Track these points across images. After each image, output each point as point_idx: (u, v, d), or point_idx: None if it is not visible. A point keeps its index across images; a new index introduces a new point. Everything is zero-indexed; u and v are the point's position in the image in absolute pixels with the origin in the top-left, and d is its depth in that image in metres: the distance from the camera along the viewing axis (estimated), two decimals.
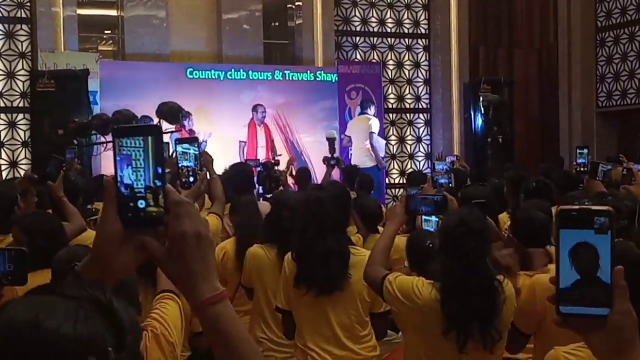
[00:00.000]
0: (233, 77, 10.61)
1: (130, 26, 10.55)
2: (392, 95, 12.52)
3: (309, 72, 11.21)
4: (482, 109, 11.38)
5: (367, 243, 4.97)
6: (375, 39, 12.43)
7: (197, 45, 11.02)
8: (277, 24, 12.51)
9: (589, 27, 12.57)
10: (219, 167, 6.10)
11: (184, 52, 10.90)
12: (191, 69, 10.42)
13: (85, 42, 10.94)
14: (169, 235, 1.22)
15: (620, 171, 4.96)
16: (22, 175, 9.32)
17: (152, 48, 10.56)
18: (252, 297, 4.16)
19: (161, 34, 10.65)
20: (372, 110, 11.02)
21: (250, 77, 10.69)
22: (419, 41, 12.74)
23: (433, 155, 12.04)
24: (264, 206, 5.07)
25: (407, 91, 12.66)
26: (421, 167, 12.46)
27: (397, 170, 12.18)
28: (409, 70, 12.67)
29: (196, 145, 3.68)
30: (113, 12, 10.98)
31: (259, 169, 7.86)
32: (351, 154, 11.00)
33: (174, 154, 3.97)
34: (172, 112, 8.89)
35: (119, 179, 1.22)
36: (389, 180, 12.08)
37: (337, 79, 11.34)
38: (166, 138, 8.28)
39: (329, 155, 8.67)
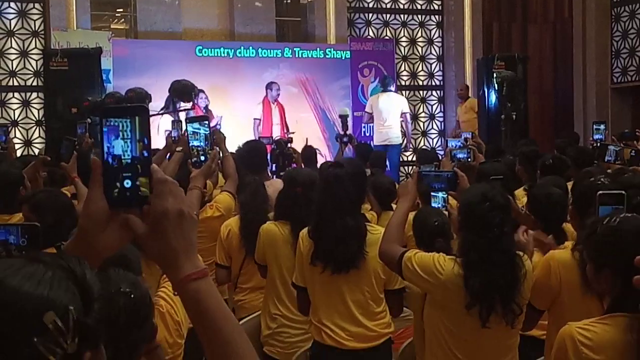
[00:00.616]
0: (242, 55, 10.58)
1: (142, 4, 10.54)
2: (405, 73, 12.46)
3: (318, 49, 11.17)
4: (496, 85, 11.30)
5: (381, 220, 4.97)
6: (388, 15, 12.36)
7: (209, 23, 11.00)
8: (289, 1, 12.46)
9: (604, 2, 12.43)
10: (234, 145, 6.12)
11: (196, 29, 10.88)
12: (200, 47, 10.40)
13: (98, 21, 10.95)
14: (151, 213, 1.22)
15: (629, 152, 4.93)
16: (36, 154, 9.38)
17: (164, 26, 10.55)
18: (266, 274, 4.17)
19: (173, 12, 10.63)
20: (393, 87, 10.96)
21: (260, 55, 10.66)
22: (432, 18, 12.66)
23: (446, 133, 12.00)
24: (277, 183, 5.08)
25: (420, 68, 12.60)
26: (434, 144, 12.43)
27: (410, 147, 12.14)
28: (422, 47, 12.60)
29: (207, 125, 3.67)
30: None
31: (272, 146, 7.86)
32: (369, 132, 10.97)
33: (185, 134, 3.97)
34: (186, 90, 8.90)
35: (112, 158, 1.23)
36: (402, 157, 12.06)
37: (349, 56, 11.29)
38: (182, 114, 8.29)
39: (342, 133, 8.66)
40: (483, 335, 3.03)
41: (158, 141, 8.46)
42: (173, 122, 4.44)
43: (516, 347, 3.19)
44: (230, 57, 10.57)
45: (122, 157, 1.23)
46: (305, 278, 3.61)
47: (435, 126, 12.59)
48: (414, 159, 11.81)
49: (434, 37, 12.66)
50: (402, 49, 12.43)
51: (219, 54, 10.51)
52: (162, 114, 8.69)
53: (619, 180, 3.38)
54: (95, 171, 1.24)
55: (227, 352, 1.24)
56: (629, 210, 2.68)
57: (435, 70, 12.68)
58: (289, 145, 7.52)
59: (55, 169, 5.24)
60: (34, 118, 10.06)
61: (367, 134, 11.12)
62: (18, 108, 10.01)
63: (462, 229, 3.08)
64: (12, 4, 9.96)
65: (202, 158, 3.59)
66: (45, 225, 2.75)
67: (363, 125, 11.12)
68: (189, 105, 8.84)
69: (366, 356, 3.53)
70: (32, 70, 10.02)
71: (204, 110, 9.60)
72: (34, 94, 10.03)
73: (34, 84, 10.02)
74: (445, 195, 4.00)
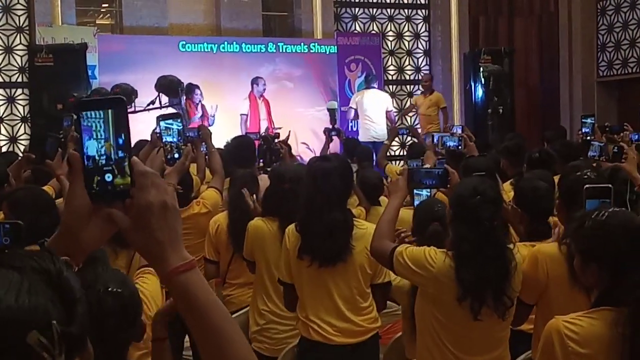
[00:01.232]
0: (226, 50, 10.53)
1: None
2: (391, 67, 12.47)
3: (303, 44, 11.14)
4: (483, 79, 11.34)
5: (370, 215, 4.97)
6: (375, 10, 12.35)
7: (195, 18, 10.95)
8: None
9: None
10: (221, 141, 6.10)
11: (182, 25, 10.84)
12: (184, 42, 10.36)
13: (83, 16, 10.87)
14: (135, 206, 1.21)
15: (611, 148, 4.95)
16: (21, 151, 9.31)
17: (150, 21, 10.50)
18: (254, 271, 4.16)
19: (159, 7, 10.58)
20: (376, 85, 10.98)
21: (244, 50, 10.63)
22: (419, 12, 12.66)
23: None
24: (264, 180, 5.07)
25: (407, 62, 12.61)
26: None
27: (397, 142, 12.13)
28: (408, 42, 12.61)
29: (179, 121, 3.66)
30: None
31: (259, 142, 7.83)
32: (355, 127, 10.98)
33: (158, 130, 3.95)
34: (172, 86, 8.86)
35: (93, 152, 1.22)
36: (389, 152, 12.06)
37: (336, 50, 11.28)
38: (170, 110, 8.26)
39: (330, 127, 8.66)
40: (474, 327, 3.05)
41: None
42: (158, 118, 4.41)
43: (507, 341, 3.21)
44: (214, 52, 10.52)
45: (96, 158, 1.22)
46: (291, 274, 3.60)
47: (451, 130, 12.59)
48: (402, 153, 11.84)
49: (421, 32, 12.67)
50: (388, 43, 12.43)
51: (203, 49, 10.45)
52: (149, 109, 8.66)
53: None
54: (75, 166, 1.23)
55: (219, 342, 1.24)
56: (617, 205, 2.69)
57: (422, 65, 12.69)
58: (276, 140, 7.49)
59: (40, 166, 5.20)
60: (19, 114, 9.99)
61: (354, 129, 11.13)
62: (3, 104, 9.93)
63: (453, 222, 3.09)
64: None
65: (176, 155, 3.57)
66: (24, 223, 2.73)
67: (350, 120, 11.12)
68: (175, 100, 8.80)
69: (353, 351, 3.53)
70: (17, 66, 9.94)
71: (197, 107, 9.59)
72: (19, 90, 9.94)
73: (19, 80, 9.94)
74: (429, 193, 4.01)
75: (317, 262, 3.49)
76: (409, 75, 12.65)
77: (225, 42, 10.61)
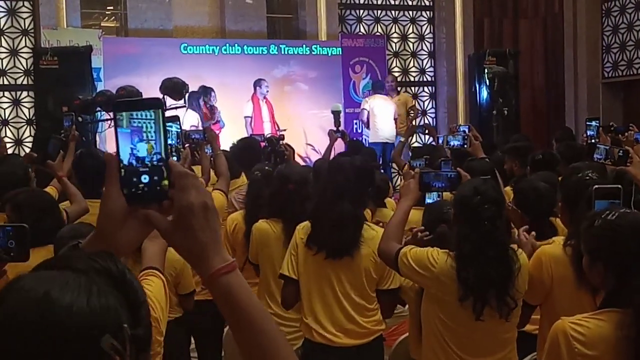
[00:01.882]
0: (228, 52, 10.53)
1: (132, 2, 10.51)
2: (396, 69, 12.46)
3: (304, 45, 11.12)
4: (488, 81, 11.32)
5: (375, 217, 4.97)
6: (379, 11, 12.35)
7: (199, 20, 10.97)
8: None
9: None
10: (227, 143, 6.10)
11: (187, 27, 10.85)
12: (185, 44, 10.36)
13: (88, 19, 10.90)
14: (175, 207, 1.20)
15: (617, 152, 4.93)
16: (26, 153, 9.34)
17: (155, 24, 10.51)
18: (259, 274, 4.16)
19: (164, 9, 10.60)
20: (383, 91, 11.07)
21: (246, 52, 10.61)
22: (423, 13, 12.66)
23: (438, 129, 11.98)
24: None
25: (411, 64, 12.60)
26: (426, 140, 12.42)
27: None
28: (413, 43, 12.60)
29: (178, 123, 3.65)
30: None
31: (264, 144, 7.83)
32: (361, 129, 11.05)
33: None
34: (176, 88, 8.87)
35: (130, 152, 1.21)
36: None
37: (341, 52, 11.28)
38: (172, 112, 8.27)
39: (334, 128, 8.66)
40: (477, 328, 3.05)
41: None
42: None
43: (513, 342, 3.20)
44: (216, 54, 10.52)
45: (147, 160, 1.21)
46: (296, 269, 3.59)
47: (427, 122, 12.58)
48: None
49: (425, 33, 12.67)
50: (393, 45, 12.42)
51: (205, 51, 10.44)
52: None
53: None
54: (110, 168, 1.21)
55: (261, 343, 1.23)
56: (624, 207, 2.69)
57: (427, 67, 12.68)
58: (280, 142, 7.50)
59: (42, 167, 5.20)
60: (24, 117, 10.01)
61: (359, 131, 11.14)
62: (8, 107, 9.96)
63: (455, 222, 3.11)
64: (2, 3, 9.90)
65: (175, 158, 3.57)
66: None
67: (355, 122, 11.14)
68: (180, 102, 8.81)
69: (357, 353, 3.53)
70: (22, 69, 9.97)
71: (209, 109, 9.64)
72: (25, 93, 9.98)
73: (24, 82, 9.97)
74: (439, 194, 4.01)
75: (324, 252, 3.49)
76: (414, 77, 12.64)
77: (227, 44, 10.60)
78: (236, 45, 10.62)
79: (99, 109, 8.62)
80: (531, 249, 3.31)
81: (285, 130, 9.60)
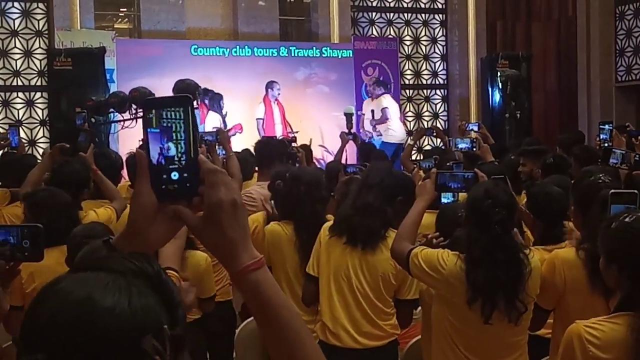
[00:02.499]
0: (238, 54, 10.53)
1: (145, 4, 10.54)
2: (408, 72, 12.45)
3: (314, 48, 11.11)
4: (500, 84, 11.29)
5: None
6: (392, 14, 12.34)
7: (212, 22, 11.00)
8: (292, 0, 12.45)
9: (607, 1, 12.39)
10: (241, 145, 6.11)
11: (200, 29, 10.88)
12: (196, 46, 10.37)
13: (102, 20, 10.95)
14: (205, 204, 1.21)
15: (633, 156, 4.91)
16: (40, 154, 9.39)
17: (168, 25, 10.55)
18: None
19: (177, 11, 10.64)
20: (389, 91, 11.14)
21: (256, 54, 10.60)
22: (436, 16, 12.64)
23: (450, 132, 11.97)
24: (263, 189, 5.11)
25: (423, 67, 12.59)
26: (438, 143, 12.40)
27: (414, 146, 12.11)
28: (425, 46, 12.59)
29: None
30: None
31: None
32: (389, 130, 11.10)
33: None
34: (189, 90, 8.88)
35: (159, 151, 1.22)
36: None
37: (353, 54, 11.28)
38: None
39: (346, 131, 8.67)
40: (486, 331, 3.04)
41: None
42: None
43: (524, 346, 3.19)
44: (226, 56, 10.50)
45: (175, 159, 1.22)
46: (319, 267, 3.63)
47: (439, 125, 12.56)
48: (419, 157, 11.81)
49: (438, 36, 12.65)
50: (405, 47, 12.41)
51: (214, 53, 10.44)
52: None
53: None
54: (141, 165, 1.23)
55: (290, 339, 1.24)
56: None
57: (439, 69, 12.67)
58: (292, 144, 7.51)
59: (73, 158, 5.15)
60: (38, 118, 10.08)
61: (370, 135, 11.14)
62: (22, 108, 10.02)
63: (466, 225, 3.11)
64: (16, 4, 9.97)
65: None
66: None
67: (371, 123, 11.16)
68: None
69: (372, 356, 3.54)
70: (36, 70, 10.03)
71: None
72: (38, 94, 10.04)
73: (38, 83, 10.03)
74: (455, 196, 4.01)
75: (346, 238, 3.53)
76: (426, 80, 12.63)
77: (237, 46, 10.60)
78: (246, 47, 10.61)
79: (111, 110, 8.66)
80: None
81: (297, 132, 9.62)
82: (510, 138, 10.54)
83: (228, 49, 10.52)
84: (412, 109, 12.49)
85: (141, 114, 1.27)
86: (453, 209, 3.69)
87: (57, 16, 9.90)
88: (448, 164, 5.42)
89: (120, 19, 11.82)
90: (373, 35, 12.11)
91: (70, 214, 3.79)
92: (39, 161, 5.59)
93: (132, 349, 0.98)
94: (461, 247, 3.11)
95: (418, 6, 12.52)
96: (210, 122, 9.63)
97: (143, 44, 10.40)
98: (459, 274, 3.01)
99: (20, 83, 9.98)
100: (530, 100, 11.65)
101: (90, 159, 4.84)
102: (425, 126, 12.20)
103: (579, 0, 12.61)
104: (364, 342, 3.54)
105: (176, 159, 1.22)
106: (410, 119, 12.39)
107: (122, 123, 8.54)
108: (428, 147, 11.53)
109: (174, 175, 1.22)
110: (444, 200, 4.02)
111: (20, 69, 9.99)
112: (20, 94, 10.01)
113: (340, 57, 11.23)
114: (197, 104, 9.12)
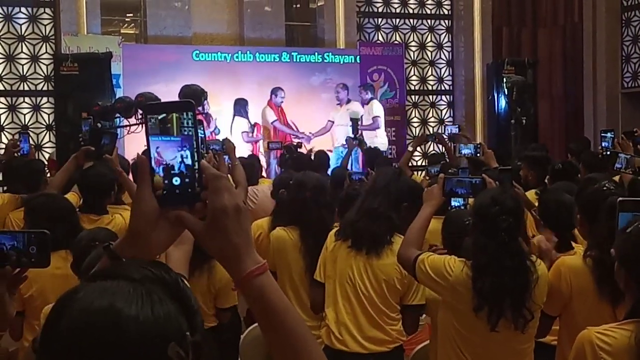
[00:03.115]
0: (240, 60, 10.52)
1: (152, 9, 10.58)
2: (414, 77, 12.46)
3: (317, 53, 11.11)
4: (506, 90, 11.28)
5: None
6: (398, 20, 12.36)
7: (218, 28, 11.02)
8: (298, 5, 12.47)
9: (614, 7, 12.39)
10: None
11: (206, 34, 10.91)
12: (198, 52, 10.38)
13: (108, 26, 10.99)
14: (209, 210, 1.21)
15: (638, 162, 4.90)
16: (46, 158, 9.41)
17: (174, 31, 10.58)
18: (276, 281, 4.17)
19: (183, 16, 10.66)
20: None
21: (257, 60, 10.60)
22: (442, 22, 12.65)
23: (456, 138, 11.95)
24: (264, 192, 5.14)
25: (429, 73, 12.60)
26: (443, 149, 12.39)
27: (419, 152, 12.11)
28: (431, 52, 12.60)
29: (202, 128, 3.65)
30: None
31: (282, 151, 7.86)
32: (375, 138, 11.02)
33: None
34: (195, 95, 8.90)
35: (151, 154, 1.21)
36: (411, 162, 12.03)
37: (359, 60, 11.29)
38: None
39: (352, 136, 8.68)
40: (492, 338, 3.03)
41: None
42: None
43: (531, 353, 3.18)
44: (227, 61, 10.51)
45: (166, 162, 1.21)
46: (325, 273, 3.64)
47: (444, 131, 12.56)
48: (424, 163, 11.81)
49: (444, 42, 12.66)
50: (411, 53, 12.42)
51: (214, 59, 10.45)
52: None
53: None
54: (142, 170, 1.22)
55: (293, 342, 1.24)
56: None
57: (445, 75, 12.67)
58: (298, 150, 7.53)
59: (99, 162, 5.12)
60: (44, 123, 10.11)
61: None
62: (29, 112, 10.06)
63: (473, 231, 3.09)
64: (23, 9, 10.01)
65: None
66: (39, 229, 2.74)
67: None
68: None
69: None
70: (43, 75, 10.06)
71: (204, 117, 9.66)
72: (45, 99, 10.07)
73: (45, 88, 10.07)
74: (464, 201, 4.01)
75: (351, 241, 3.55)
76: (432, 86, 12.63)
77: (239, 52, 10.60)
78: (248, 52, 10.61)
79: (118, 115, 8.68)
80: (552, 257, 3.30)
81: (303, 138, 9.65)
82: (515, 144, 10.52)
83: (230, 54, 10.52)
84: (417, 114, 12.48)
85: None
86: (459, 216, 3.68)
87: (64, 21, 9.94)
88: (450, 170, 5.41)
89: (126, 24, 11.86)
90: (379, 41, 12.12)
91: (70, 219, 3.79)
92: (46, 165, 5.58)
93: (157, 357, 0.99)
94: (467, 254, 3.10)
95: (424, 12, 12.53)
96: (237, 127, 9.64)
97: (149, 49, 10.42)
98: (465, 281, 3.00)
99: (26, 88, 10.02)
100: (536, 106, 11.64)
101: (115, 161, 4.84)
102: (430, 132, 12.19)
103: (585, 6, 12.61)
104: (369, 347, 3.54)
105: (178, 164, 1.21)
106: (415, 124, 12.39)
107: (128, 128, 8.55)
108: (434, 153, 11.53)
109: (176, 181, 1.21)
110: (454, 203, 4.01)
111: (27, 74, 10.02)
112: (27, 99, 10.04)
113: (342, 62, 11.21)
114: (203, 109, 9.12)
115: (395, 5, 12.33)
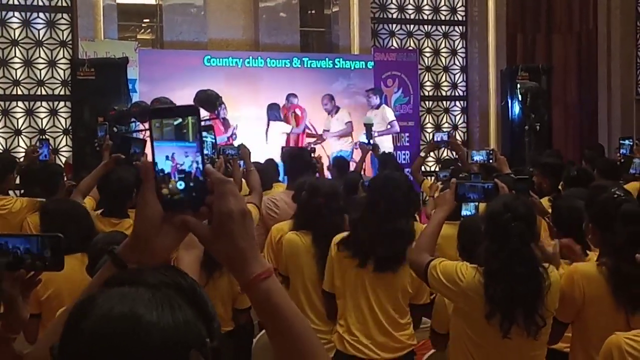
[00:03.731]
0: (251, 65, 10.53)
1: (168, 15, 10.65)
2: (428, 83, 12.47)
3: (327, 59, 11.08)
4: (520, 96, 11.25)
5: None
6: (412, 26, 12.38)
7: (234, 33, 11.07)
8: (313, 11, 12.51)
9: (629, 13, 12.35)
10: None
11: (222, 40, 10.96)
12: (209, 56, 10.41)
13: (125, 31, 11.07)
14: (215, 214, 1.21)
15: None
16: (62, 162, 9.48)
17: (190, 36, 10.64)
18: (289, 286, 4.19)
19: (199, 22, 10.73)
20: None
21: (268, 65, 10.59)
22: (456, 28, 12.66)
23: (469, 144, 11.96)
24: (285, 199, 5.15)
25: (443, 78, 12.60)
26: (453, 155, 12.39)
27: (433, 157, 12.11)
28: (445, 58, 12.60)
29: (212, 133, 3.66)
30: (151, 1, 11.06)
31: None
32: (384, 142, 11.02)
33: None
34: (210, 100, 8.97)
35: (165, 158, 1.21)
36: (425, 167, 12.03)
37: (373, 66, 11.30)
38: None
39: (366, 141, 8.69)
40: (504, 345, 3.03)
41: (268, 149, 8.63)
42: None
43: (543, 359, 3.18)
44: (239, 67, 10.53)
45: (186, 170, 1.22)
46: (333, 283, 3.64)
47: (458, 136, 12.55)
48: (436, 168, 11.81)
49: (458, 48, 12.66)
50: (425, 59, 12.43)
51: (227, 64, 10.46)
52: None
53: None
54: (147, 175, 1.22)
55: (299, 347, 1.24)
56: None
57: (459, 81, 12.67)
58: (312, 155, 7.55)
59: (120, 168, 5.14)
60: (61, 127, 10.19)
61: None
62: (46, 117, 10.14)
63: (485, 238, 3.09)
64: (41, 14, 10.10)
65: None
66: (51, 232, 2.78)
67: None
68: (207, 115, 8.89)
69: None
70: (60, 79, 10.15)
71: (222, 122, 9.70)
72: (62, 103, 10.16)
73: (62, 93, 10.15)
74: (476, 204, 4.00)
75: (372, 264, 3.51)
76: (446, 92, 12.63)
77: (251, 57, 10.60)
78: (259, 57, 10.61)
79: (133, 119, 8.74)
80: (559, 261, 3.30)
81: (317, 143, 9.68)
82: (529, 150, 10.50)
83: (242, 59, 10.52)
84: (431, 120, 12.49)
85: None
86: (476, 222, 3.69)
87: (81, 27, 10.02)
88: (461, 175, 5.41)
89: (143, 30, 11.94)
90: (393, 47, 12.14)
91: (85, 222, 3.82)
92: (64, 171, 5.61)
93: None
94: (479, 260, 3.12)
95: (438, 18, 12.54)
96: (274, 130, 9.76)
97: (165, 54, 10.49)
98: (477, 287, 3.01)
99: (44, 92, 10.11)
100: (550, 113, 11.60)
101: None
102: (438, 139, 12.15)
103: (599, 12, 12.58)
104: (381, 353, 3.55)
105: (182, 168, 1.22)
106: (429, 130, 12.39)
107: (143, 133, 8.62)
108: (447, 158, 11.52)
109: (180, 185, 1.21)
110: (464, 212, 4.01)
111: (45, 79, 10.11)
112: (44, 103, 10.13)
113: (353, 68, 11.19)
114: (217, 114, 9.17)
115: (410, 11, 12.35)
